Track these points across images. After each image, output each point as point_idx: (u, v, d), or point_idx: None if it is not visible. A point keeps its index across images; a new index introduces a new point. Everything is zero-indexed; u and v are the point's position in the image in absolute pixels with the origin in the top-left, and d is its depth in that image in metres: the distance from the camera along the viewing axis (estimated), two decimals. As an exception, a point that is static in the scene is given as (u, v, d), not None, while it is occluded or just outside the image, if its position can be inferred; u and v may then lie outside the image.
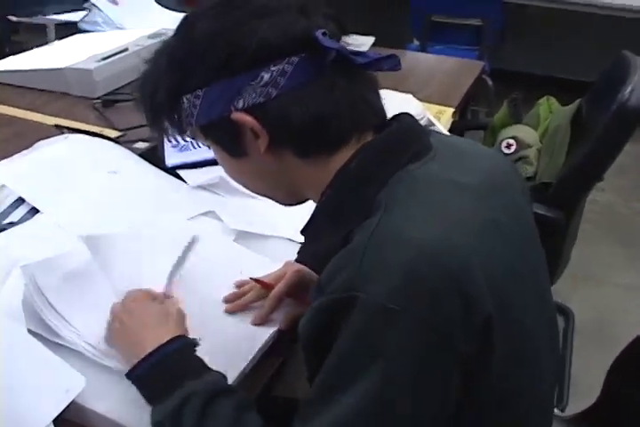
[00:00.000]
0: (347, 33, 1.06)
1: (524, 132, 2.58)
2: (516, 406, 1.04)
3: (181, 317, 1.22)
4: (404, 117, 1.09)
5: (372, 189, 1.00)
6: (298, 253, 1.11)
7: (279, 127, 1.00)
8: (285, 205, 1.18)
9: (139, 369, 1.12)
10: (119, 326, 1.20)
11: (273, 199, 1.17)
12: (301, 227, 1.10)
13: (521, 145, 2.50)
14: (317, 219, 1.07)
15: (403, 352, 0.88)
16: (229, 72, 0.98)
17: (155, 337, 1.15)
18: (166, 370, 1.12)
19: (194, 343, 1.17)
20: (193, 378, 1.08)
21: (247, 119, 0.99)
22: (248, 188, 1.17)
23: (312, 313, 0.95)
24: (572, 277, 2.72)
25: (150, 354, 1.12)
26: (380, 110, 1.07)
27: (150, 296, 1.25)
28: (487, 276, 0.92)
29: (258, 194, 1.18)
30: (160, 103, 1.06)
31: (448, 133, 1.22)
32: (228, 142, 1.06)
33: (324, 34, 0.97)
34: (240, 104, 0.99)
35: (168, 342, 1.14)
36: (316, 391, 0.94)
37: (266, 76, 0.97)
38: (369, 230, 0.93)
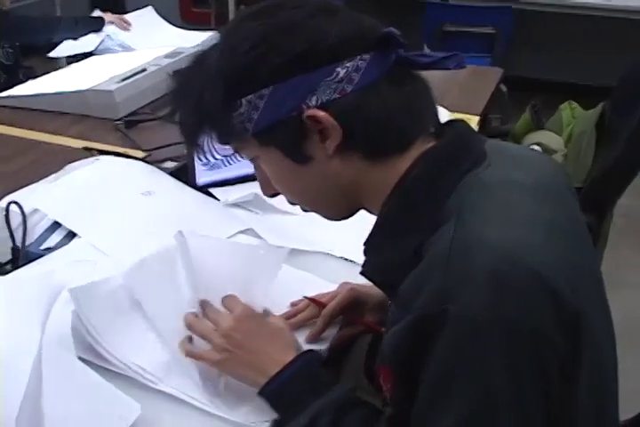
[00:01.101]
0: None
1: (549, 137, 2.56)
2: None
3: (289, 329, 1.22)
4: (460, 124, 1.08)
5: (439, 196, 0.97)
6: (362, 265, 1.07)
7: (354, 124, 0.97)
8: (334, 219, 1.14)
9: (269, 387, 1.11)
10: (234, 349, 1.15)
11: (323, 213, 1.14)
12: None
13: (546, 151, 2.48)
14: (381, 230, 1.04)
15: (501, 361, 0.86)
16: (305, 67, 0.95)
17: (279, 354, 1.14)
18: (295, 388, 1.11)
19: (320, 357, 1.17)
20: (320, 395, 1.08)
21: (323, 115, 0.96)
22: (300, 200, 1.12)
23: (401, 331, 0.92)
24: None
25: (280, 371, 1.11)
26: (437, 114, 1.06)
27: (255, 312, 1.22)
28: (564, 273, 0.90)
29: (308, 207, 1.14)
30: (208, 111, 1.01)
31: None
32: (292, 146, 1.01)
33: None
34: (313, 101, 0.96)
35: (296, 358, 1.13)
36: (418, 410, 0.92)
37: (341, 73, 0.95)
38: (447, 238, 0.90)
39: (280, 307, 1.38)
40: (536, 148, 2.49)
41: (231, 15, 5.63)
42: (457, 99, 2.59)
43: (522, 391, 0.87)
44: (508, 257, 0.87)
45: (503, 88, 3.68)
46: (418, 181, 1.00)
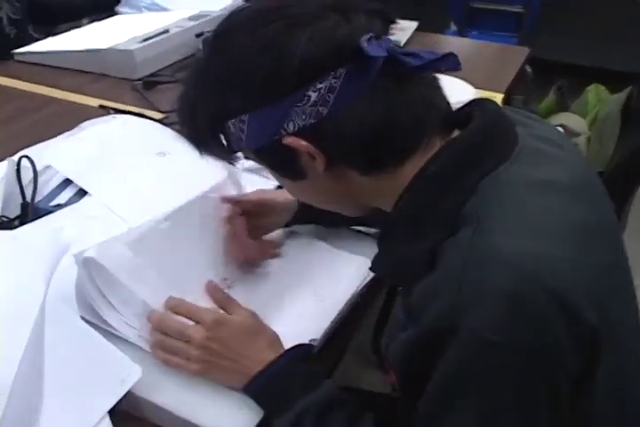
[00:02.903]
0: (394, 23, 0.97)
1: (573, 119, 2.53)
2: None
3: (261, 321, 1.17)
4: (488, 107, 1.00)
5: (457, 197, 0.91)
6: (372, 262, 1.04)
7: (336, 147, 0.93)
8: (353, 216, 1.13)
9: (254, 384, 1.09)
10: (213, 358, 1.11)
11: (340, 212, 1.12)
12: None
13: (569, 133, 2.45)
14: (394, 228, 0.99)
15: (507, 382, 0.84)
16: (272, 96, 0.90)
17: (261, 353, 1.11)
18: (280, 385, 1.09)
19: (308, 351, 1.13)
20: (305, 393, 1.05)
21: (300, 144, 0.92)
22: (313, 204, 1.11)
23: (408, 343, 0.91)
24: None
25: (264, 369, 1.09)
26: (446, 108, 0.98)
27: (225, 317, 1.16)
28: (587, 287, 0.85)
29: (324, 208, 1.12)
30: (203, 128, 0.99)
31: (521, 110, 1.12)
32: (284, 166, 1.00)
33: (369, 40, 0.87)
34: (290, 127, 0.92)
35: (282, 355, 1.10)
36: (419, 421, 0.91)
37: (313, 96, 0.89)
38: (464, 250, 0.85)
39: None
40: (559, 129, 2.46)
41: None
42: (482, 75, 2.54)
43: (526, 411, 0.85)
44: (526, 275, 0.82)
45: (528, 69, 3.64)
46: (431, 180, 0.94)
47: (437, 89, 0.98)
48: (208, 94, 0.95)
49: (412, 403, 0.93)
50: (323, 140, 0.92)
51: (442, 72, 0.94)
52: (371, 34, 0.88)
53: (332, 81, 0.88)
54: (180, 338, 1.13)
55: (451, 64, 0.92)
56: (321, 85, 0.89)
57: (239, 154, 1.03)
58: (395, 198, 0.97)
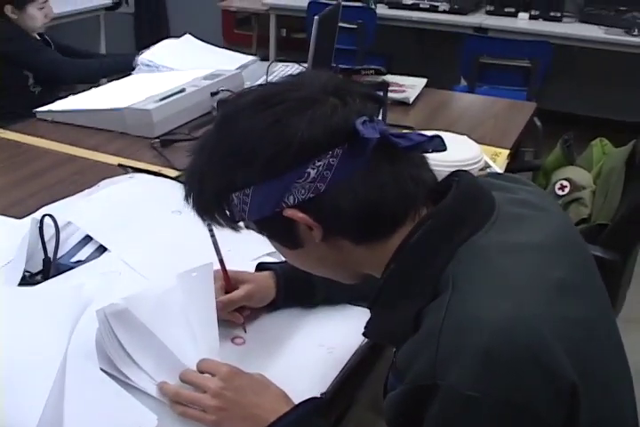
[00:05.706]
0: (384, 105, 1.04)
1: (578, 173, 2.56)
2: None
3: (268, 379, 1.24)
4: (463, 179, 1.06)
5: (437, 264, 0.98)
6: (365, 327, 1.11)
7: (332, 219, 0.99)
8: (347, 283, 1.17)
9: None
10: (229, 406, 1.17)
11: (335, 279, 1.17)
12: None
13: (575, 187, 2.48)
14: (385, 294, 1.05)
15: None
16: (274, 172, 0.97)
17: (273, 403, 1.18)
18: None
19: (320, 404, 1.20)
20: None
21: (299, 216, 0.98)
22: (310, 272, 1.16)
23: (394, 400, 0.97)
24: (621, 320, 2.67)
25: (279, 419, 1.15)
26: (432, 183, 1.05)
27: (238, 369, 1.23)
28: (564, 342, 0.90)
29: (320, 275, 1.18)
30: (208, 200, 1.05)
31: (507, 175, 1.18)
32: (283, 235, 1.06)
33: (363, 123, 0.95)
34: (290, 200, 0.98)
35: (296, 406, 1.17)
36: None
37: (312, 173, 0.96)
38: (441, 312, 0.91)
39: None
40: (565, 183, 2.50)
41: (272, 38, 5.69)
42: (489, 132, 2.61)
43: None
44: (500, 334, 0.88)
45: (537, 122, 3.70)
46: (413, 250, 1.00)
47: (424, 165, 1.05)
48: (216, 169, 1.01)
49: None
50: (320, 213, 0.99)
51: (429, 152, 1.02)
52: (365, 117, 0.97)
53: (330, 159, 0.96)
54: (197, 389, 1.19)
55: (437, 146, 1.00)
56: (319, 163, 0.96)
57: (241, 223, 1.08)
58: (383, 265, 1.04)
